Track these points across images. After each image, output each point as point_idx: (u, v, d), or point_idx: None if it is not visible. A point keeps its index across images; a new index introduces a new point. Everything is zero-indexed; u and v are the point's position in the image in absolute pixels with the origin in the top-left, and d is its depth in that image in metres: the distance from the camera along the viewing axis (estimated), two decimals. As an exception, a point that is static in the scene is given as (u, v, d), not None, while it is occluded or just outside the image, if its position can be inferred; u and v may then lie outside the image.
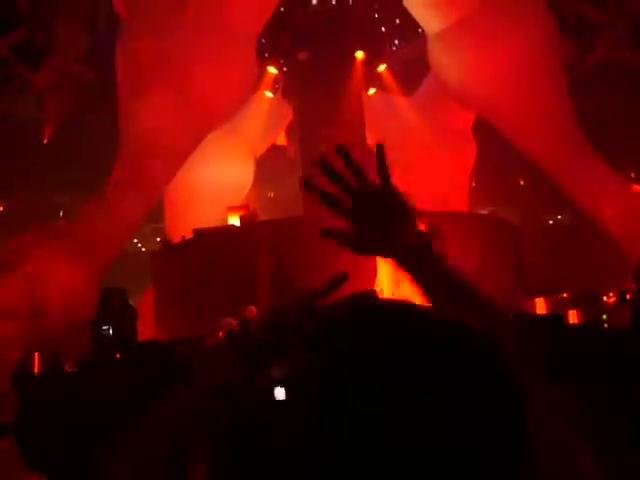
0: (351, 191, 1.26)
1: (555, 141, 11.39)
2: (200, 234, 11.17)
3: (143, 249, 21.76)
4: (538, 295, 12.17)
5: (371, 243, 1.27)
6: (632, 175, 17.02)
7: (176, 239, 12.57)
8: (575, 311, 11.01)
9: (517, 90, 11.19)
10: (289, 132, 15.45)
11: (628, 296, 9.80)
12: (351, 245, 1.28)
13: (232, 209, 12.43)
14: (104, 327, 9.77)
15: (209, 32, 10.68)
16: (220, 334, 9.14)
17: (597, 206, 11.66)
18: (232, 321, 9.40)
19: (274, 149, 16.15)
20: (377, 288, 9.68)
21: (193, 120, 10.67)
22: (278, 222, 10.94)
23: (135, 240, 21.38)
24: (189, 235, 11.68)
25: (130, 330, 9.26)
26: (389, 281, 9.92)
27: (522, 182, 20.93)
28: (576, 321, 10.86)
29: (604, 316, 10.69)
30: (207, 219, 12.79)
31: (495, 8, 11.19)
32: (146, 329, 10.71)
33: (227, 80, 10.86)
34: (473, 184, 17.40)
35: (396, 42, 14.49)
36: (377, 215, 1.25)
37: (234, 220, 12.00)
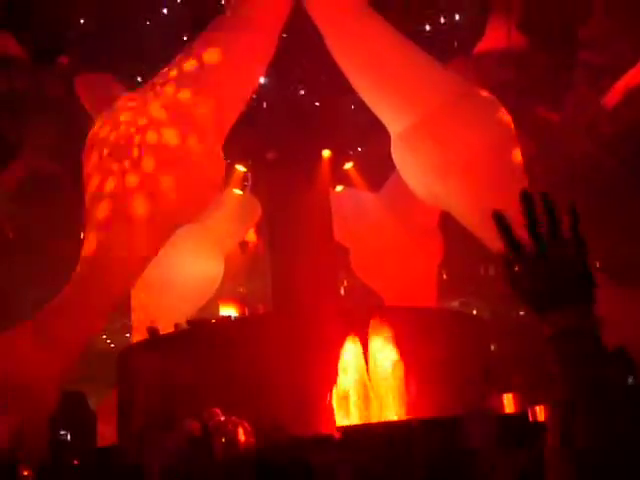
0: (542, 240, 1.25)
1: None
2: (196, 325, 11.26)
3: (112, 345, 21.35)
4: (509, 391, 12.07)
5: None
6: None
7: (141, 335, 12.46)
8: (544, 406, 10.92)
9: (476, 188, 11.48)
10: (258, 229, 15.65)
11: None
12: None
13: (225, 301, 12.65)
14: (62, 432, 9.50)
15: (178, 128, 10.98)
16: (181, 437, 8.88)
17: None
18: (194, 425, 9.17)
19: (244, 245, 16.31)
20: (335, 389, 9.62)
21: (160, 223, 10.81)
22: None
23: (104, 336, 21.00)
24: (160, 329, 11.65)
25: (89, 435, 9.00)
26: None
27: (492, 272, 21.14)
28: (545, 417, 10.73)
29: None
30: (176, 314, 12.73)
31: (454, 109, 11.61)
32: (108, 428, 10.43)
33: (195, 180, 11.06)
34: (444, 276, 17.58)
35: (363, 140, 14.96)
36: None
37: (228, 311, 12.19)
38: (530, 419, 9.41)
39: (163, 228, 11.27)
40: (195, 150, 11.17)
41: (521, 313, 21.98)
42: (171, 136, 11.05)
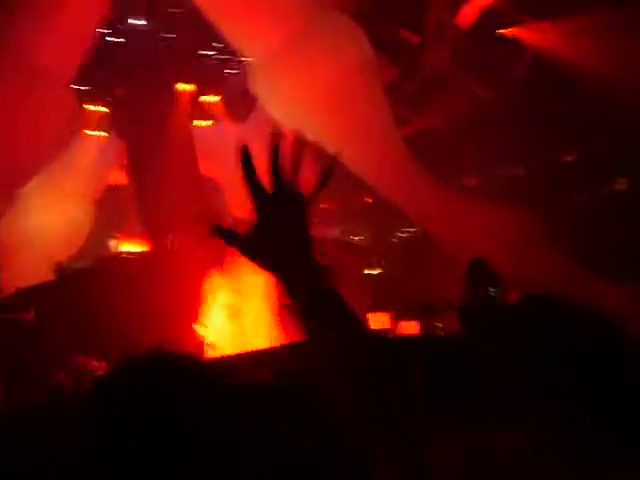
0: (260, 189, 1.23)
1: (380, 161, 11.80)
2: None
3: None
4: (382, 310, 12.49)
5: (269, 250, 1.20)
6: (469, 183, 17.94)
7: (10, 289, 11.93)
8: (414, 322, 11.40)
9: (337, 115, 11.51)
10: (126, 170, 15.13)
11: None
12: (244, 249, 1.21)
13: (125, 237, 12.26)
14: None
15: (17, 76, 10.26)
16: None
17: (426, 220, 12.19)
18: (62, 376, 8.94)
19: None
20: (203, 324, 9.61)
21: (8, 170, 10.19)
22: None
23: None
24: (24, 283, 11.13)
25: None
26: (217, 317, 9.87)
27: (369, 200, 21.54)
28: (415, 332, 11.23)
29: (439, 325, 11.11)
30: (44, 269, 12.23)
31: (309, 38, 11.48)
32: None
33: (42, 124, 10.46)
34: (325, 206, 17.72)
35: (228, 71, 14.57)
36: (280, 219, 1.20)
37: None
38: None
39: (15, 179, 10.71)
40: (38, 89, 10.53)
41: (396, 239, 22.68)
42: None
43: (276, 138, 1.28)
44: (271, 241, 1.23)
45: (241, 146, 1.27)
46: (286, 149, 1.27)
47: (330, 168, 1.33)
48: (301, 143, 1.29)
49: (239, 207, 15.73)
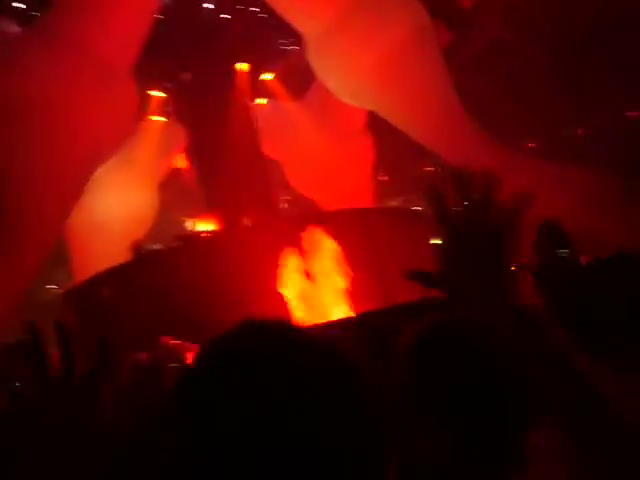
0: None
1: (441, 126, 11.67)
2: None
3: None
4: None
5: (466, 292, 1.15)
6: (531, 146, 17.57)
7: (82, 278, 12.29)
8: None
9: (396, 84, 11.41)
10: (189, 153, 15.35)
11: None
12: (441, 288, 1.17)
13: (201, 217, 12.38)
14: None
15: (79, 66, 10.50)
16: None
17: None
18: (140, 354, 9.19)
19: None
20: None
21: (77, 161, 10.49)
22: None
23: (53, 286, 20.67)
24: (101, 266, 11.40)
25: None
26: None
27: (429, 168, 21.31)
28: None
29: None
30: (116, 253, 12.55)
31: (364, 8, 11.38)
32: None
33: (107, 113, 10.69)
34: (386, 177, 17.66)
35: (283, 48, 14.56)
36: (474, 256, 1.14)
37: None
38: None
39: (83, 168, 10.99)
40: (104, 81, 10.76)
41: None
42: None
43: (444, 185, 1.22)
44: (466, 280, 1.19)
45: (430, 188, 1.20)
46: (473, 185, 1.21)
47: (525, 200, 1.27)
48: (491, 177, 1.24)
49: (299, 183, 15.85)
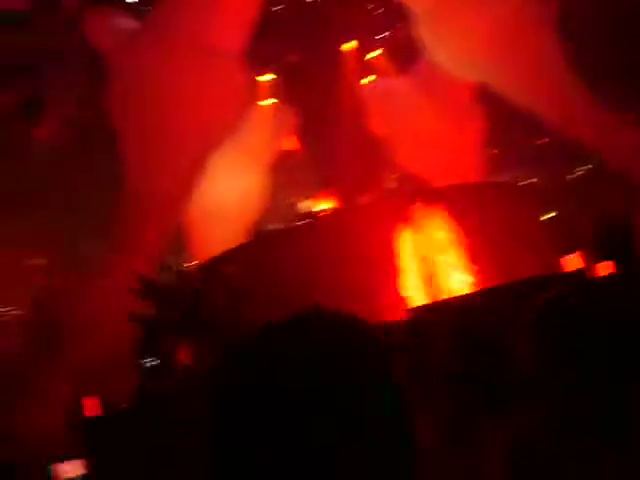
0: None
1: (555, 95, 11.27)
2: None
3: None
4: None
5: None
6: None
7: (202, 260, 12.73)
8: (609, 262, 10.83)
9: (507, 55, 11.10)
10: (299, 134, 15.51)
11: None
12: None
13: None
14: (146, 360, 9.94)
15: (191, 56, 10.88)
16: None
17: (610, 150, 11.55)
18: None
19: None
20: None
21: (192, 147, 10.90)
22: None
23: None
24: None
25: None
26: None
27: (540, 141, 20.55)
28: (611, 271, 10.67)
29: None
30: (232, 236, 12.94)
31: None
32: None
33: (219, 99, 11.02)
34: (495, 151, 17.22)
35: (389, 26, 14.42)
36: None
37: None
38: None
39: (198, 153, 11.39)
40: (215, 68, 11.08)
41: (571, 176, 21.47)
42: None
43: None
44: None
45: None
46: None
47: None
48: None
49: (407, 160, 15.71)
